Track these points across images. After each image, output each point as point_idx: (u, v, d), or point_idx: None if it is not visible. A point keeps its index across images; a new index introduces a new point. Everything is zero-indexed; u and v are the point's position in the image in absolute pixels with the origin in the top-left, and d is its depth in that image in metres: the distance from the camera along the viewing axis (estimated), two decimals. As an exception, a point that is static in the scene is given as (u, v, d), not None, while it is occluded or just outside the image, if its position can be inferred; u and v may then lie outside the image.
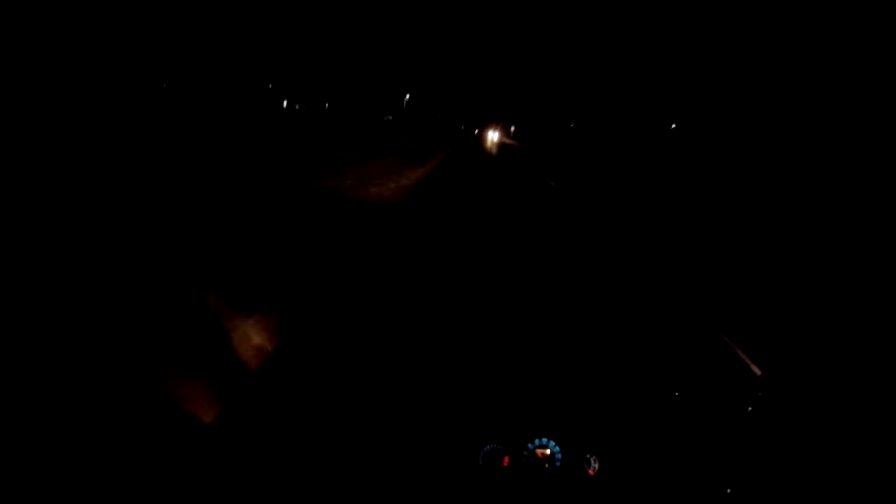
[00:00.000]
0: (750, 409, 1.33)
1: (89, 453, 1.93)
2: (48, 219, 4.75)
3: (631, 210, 12.41)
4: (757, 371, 3.63)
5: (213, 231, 5.33)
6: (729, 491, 1.36)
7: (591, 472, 1.44)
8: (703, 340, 4.72)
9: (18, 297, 3.16)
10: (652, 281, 6.99)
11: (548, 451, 1.42)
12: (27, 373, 2.43)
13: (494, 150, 35.93)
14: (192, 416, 2.29)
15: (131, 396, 2.37)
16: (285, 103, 38.60)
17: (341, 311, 3.96)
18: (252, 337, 3.16)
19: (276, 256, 4.86)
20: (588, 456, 1.46)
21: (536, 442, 1.42)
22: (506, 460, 1.39)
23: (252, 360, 2.92)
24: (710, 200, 14.74)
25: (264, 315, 3.46)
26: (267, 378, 2.78)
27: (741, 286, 7.58)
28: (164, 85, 30.19)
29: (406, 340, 3.56)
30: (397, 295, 4.56)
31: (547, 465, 1.41)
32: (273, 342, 3.15)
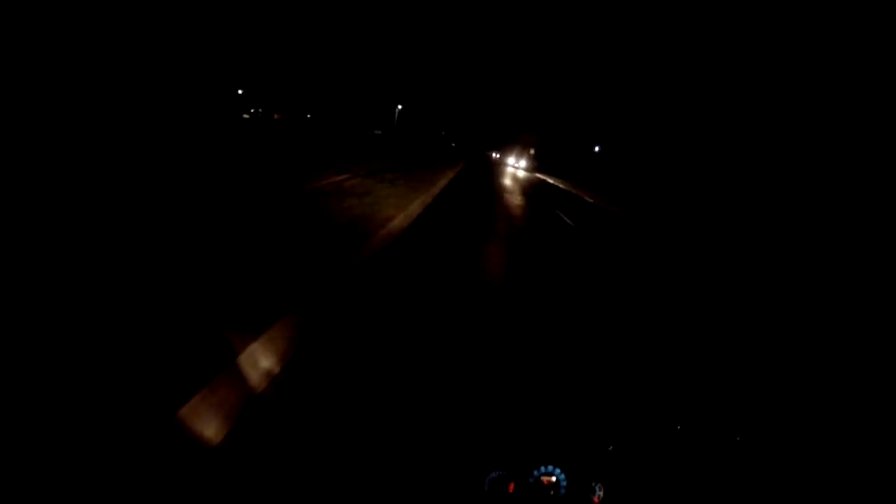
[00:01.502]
0: (738, 438, 1.35)
1: (90, 475, 1.91)
2: (47, 224, 4.83)
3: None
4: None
5: (223, 247, 5.40)
6: None
7: (595, 500, 1.46)
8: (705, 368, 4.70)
9: (15, 306, 3.17)
10: (663, 310, 6.97)
11: (553, 479, 1.44)
12: (21, 386, 2.41)
13: (518, 196, 19.58)
14: (199, 438, 2.30)
15: (134, 417, 2.35)
16: (260, 111, 34.70)
17: (350, 333, 3.99)
18: (259, 357, 3.19)
19: (284, 275, 4.91)
20: (593, 484, 1.48)
21: (542, 469, 1.44)
22: (511, 487, 1.41)
23: (259, 381, 2.94)
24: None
25: (273, 335, 3.49)
26: (274, 400, 2.80)
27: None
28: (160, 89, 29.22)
29: (413, 364, 3.57)
30: (405, 317, 4.59)
31: (552, 493, 1.43)
32: (281, 364, 3.18)
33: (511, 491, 1.42)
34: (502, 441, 1.48)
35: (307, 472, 2.07)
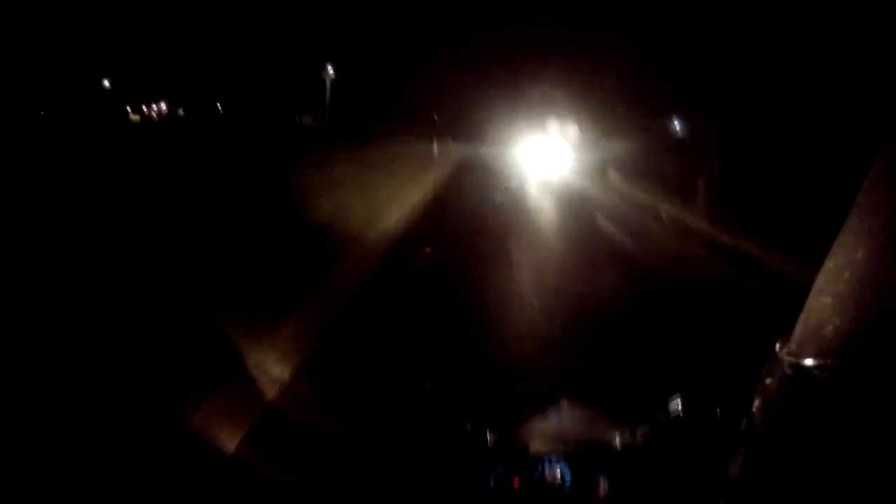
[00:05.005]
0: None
1: (105, 485, 1.93)
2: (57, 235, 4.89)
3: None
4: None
5: (225, 253, 5.44)
6: None
7: (600, 492, 1.48)
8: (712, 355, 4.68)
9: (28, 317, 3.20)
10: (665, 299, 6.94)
11: (557, 473, 1.46)
12: (35, 401, 2.44)
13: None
14: (213, 445, 2.33)
15: (149, 423, 2.38)
16: (156, 110, 25.97)
17: (355, 335, 4.00)
18: (267, 363, 3.23)
19: (287, 278, 4.94)
20: (597, 476, 1.50)
21: (547, 463, 1.46)
22: (516, 482, 1.44)
23: (267, 387, 2.97)
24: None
25: (280, 339, 3.53)
26: (283, 405, 2.83)
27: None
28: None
29: (420, 364, 3.59)
30: (413, 319, 4.60)
31: (557, 487, 1.45)
32: (288, 369, 3.21)
33: (517, 486, 1.44)
34: (506, 434, 1.50)
35: (318, 474, 2.09)
